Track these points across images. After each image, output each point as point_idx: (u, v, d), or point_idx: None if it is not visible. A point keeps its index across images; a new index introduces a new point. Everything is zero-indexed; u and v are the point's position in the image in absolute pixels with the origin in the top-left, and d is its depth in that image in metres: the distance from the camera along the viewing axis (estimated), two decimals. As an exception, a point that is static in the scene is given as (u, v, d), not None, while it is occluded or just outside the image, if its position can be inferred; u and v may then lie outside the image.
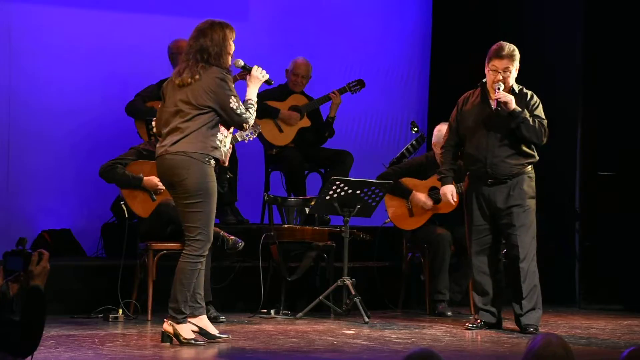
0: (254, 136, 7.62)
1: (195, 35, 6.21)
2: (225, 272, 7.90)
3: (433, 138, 8.11)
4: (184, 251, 6.18)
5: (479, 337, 6.88)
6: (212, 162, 6.16)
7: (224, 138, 6.25)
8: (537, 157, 7.07)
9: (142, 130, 8.19)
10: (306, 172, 9.08)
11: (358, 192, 7.61)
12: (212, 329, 6.33)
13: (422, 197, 8.05)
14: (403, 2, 10.42)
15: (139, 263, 7.40)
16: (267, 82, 6.44)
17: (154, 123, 6.42)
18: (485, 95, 7.08)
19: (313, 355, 5.92)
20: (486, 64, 7.01)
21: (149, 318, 7.21)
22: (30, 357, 3.63)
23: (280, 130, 8.94)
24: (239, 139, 7.47)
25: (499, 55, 6.95)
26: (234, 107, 6.13)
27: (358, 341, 6.54)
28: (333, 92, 8.99)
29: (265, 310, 7.74)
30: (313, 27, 9.96)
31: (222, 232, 7.24)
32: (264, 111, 8.64)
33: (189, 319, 6.20)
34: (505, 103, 6.88)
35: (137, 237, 7.46)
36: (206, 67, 6.13)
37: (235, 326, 7.09)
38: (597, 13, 9.03)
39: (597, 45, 9.05)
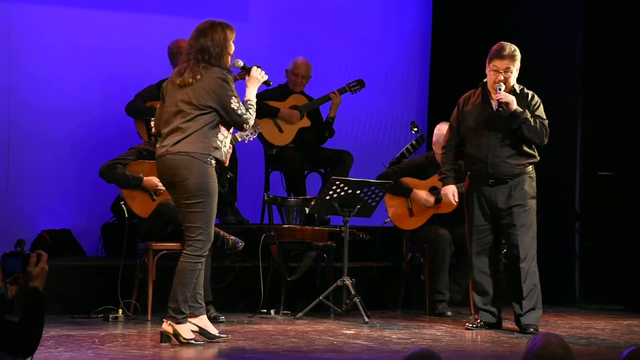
0: (254, 136, 7.63)
1: (196, 35, 6.21)
2: (225, 272, 7.90)
3: (433, 137, 8.11)
4: (184, 251, 6.18)
5: (478, 337, 6.88)
6: (213, 162, 6.16)
7: (224, 138, 6.26)
8: (538, 158, 7.07)
9: (142, 130, 8.20)
10: (306, 172, 9.08)
11: (358, 192, 7.61)
12: (212, 329, 6.33)
13: (423, 194, 8.05)
14: (403, 2, 10.42)
15: (139, 263, 7.40)
16: (265, 83, 6.45)
17: (152, 123, 6.42)
18: (486, 95, 7.08)
19: (313, 355, 5.92)
20: (487, 64, 7.00)
21: (149, 318, 7.21)
22: (30, 358, 3.62)
23: (280, 130, 8.94)
24: (239, 139, 7.47)
25: (500, 55, 6.94)
26: (235, 108, 6.14)
27: (358, 341, 6.54)
28: (333, 92, 8.99)
29: (265, 310, 7.74)
30: (313, 27, 9.96)
31: (222, 232, 7.24)
32: (263, 111, 8.63)
33: (189, 319, 6.20)
34: (507, 104, 6.88)
35: (137, 237, 7.46)
36: (207, 67, 6.13)
37: (235, 326, 7.09)
38: (597, 13, 9.03)
39: (597, 45, 9.05)
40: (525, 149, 7.00)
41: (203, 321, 6.31)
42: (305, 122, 9.00)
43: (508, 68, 6.94)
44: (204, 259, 6.24)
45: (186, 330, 6.16)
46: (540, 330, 7.03)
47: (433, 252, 7.97)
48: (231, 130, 6.37)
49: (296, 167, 8.93)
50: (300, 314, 7.62)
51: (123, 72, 9.06)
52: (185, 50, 6.29)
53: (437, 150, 7.97)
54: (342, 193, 7.59)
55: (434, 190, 8.01)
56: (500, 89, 6.90)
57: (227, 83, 6.14)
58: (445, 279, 7.94)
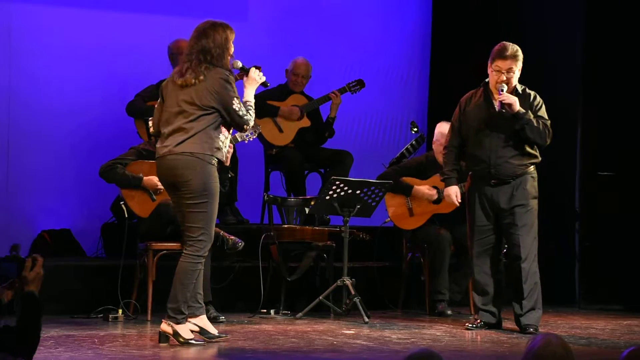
0: (254, 137, 7.64)
1: (197, 35, 6.21)
2: (225, 272, 7.90)
3: (434, 137, 8.10)
4: (185, 251, 6.18)
5: (478, 337, 6.88)
6: (215, 162, 6.17)
7: (225, 139, 6.27)
8: (540, 158, 7.07)
9: (141, 130, 8.20)
10: (306, 172, 9.08)
11: (358, 192, 7.61)
12: (211, 329, 6.33)
13: (424, 188, 8.05)
14: (403, 2, 10.42)
15: (139, 263, 7.40)
16: (263, 84, 6.47)
17: (150, 123, 6.42)
18: (488, 95, 7.07)
19: (313, 356, 5.92)
20: (489, 64, 6.99)
21: (149, 318, 7.21)
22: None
23: (280, 130, 8.94)
24: (239, 140, 7.47)
25: (502, 55, 6.93)
26: (237, 109, 6.15)
27: (358, 341, 6.54)
28: (333, 92, 8.99)
29: (265, 310, 7.74)
30: (313, 27, 9.96)
31: (222, 232, 7.24)
32: (263, 110, 8.64)
33: (190, 319, 6.21)
34: (510, 105, 6.88)
35: (137, 237, 7.46)
36: (210, 68, 6.14)
37: (235, 326, 7.09)
38: (597, 13, 9.03)
39: (597, 45, 9.05)
40: (528, 149, 7.00)
41: (203, 321, 6.31)
42: (305, 122, 9.00)
43: (510, 68, 6.94)
44: (204, 259, 6.25)
45: (185, 330, 6.16)
46: (540, 330, 7.03)
47: (433, 252, 7.97)
48: (231, 130, 6.37)
49: (296, 167, 8.93)
50: (300, 314, 7.62)
51: (123, 72, 9.06)
52: (186, 50, 6.29)
53: (437, 149, 7.97)
54: (342, 193, 7.59)
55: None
56: (502, 90, 6.89)
57: (229, 84, 6.15)
58: (445, 279, 7.94)
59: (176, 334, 6.13)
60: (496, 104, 6.94)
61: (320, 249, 7.83)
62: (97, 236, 8.66)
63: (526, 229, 6.98)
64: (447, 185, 7.26)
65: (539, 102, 7.06)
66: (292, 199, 8.17)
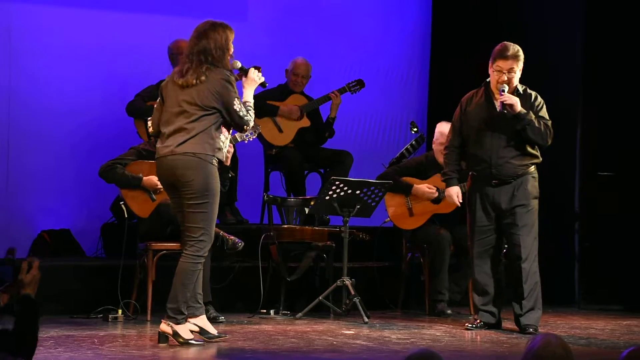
0: (254, 137, 7.64)
1: (197, 36, 6.21)
2: (224, 273, 7.90)
3: (434, 136, 8.09)
4: (185, 251, 6.18)
5: (478, 337, 6.88)
6: (216, 162, 6.18)
7: (225, 139, 6.28)
8: (541, 158, 7.07)
9: (141, 130, 8.20)
10: (306, 172, 9.08)
11: (358, 192, 7.61)
12: (211, 329, 6.33)
13: (424, 187, 8.04)
14: (403, 2, 10.42)
15: (139, 263, 7.40)
16: (262, 84, 6.49)
17: (150, 123, 6.42)
18: (489, 95, 7.06)
19: (312, 356, 5.92)
20: (490, 64, 6.99)
21: (149, 318, 7.21)
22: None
23: (280, 130, 8.94)
24: (239, 140, 7.48)
25: (503, 55, 6.93)
26: (237, 109, 6.17)
27: (357, 341, 6.54)
28: (333, 92, 8.99)
29: (264, 311, 7.74)
30: (312, 27, 9.95)
31: (221, 233, 7.24)
32: (263, 110, 8.64)
33: (190, 319, 6.21)
34: (511, 106, 6.87)
35: (136, 237, 7.46)
36: (211, 69, 6.14)
37: (234, 326, 7.09)
38: (597, 13, 9.03)
39: (597, 45, 9.05)
40: (529, 149, 7.00)
41: (202, 321, 6.32)
42: (305, 122, 9.01)
43: (512, 68, 6.93)
44: (204, 259, 6.26)
45: (185, 330, 6.16)
46: (539, 330, 7.03)
47: (433, 252, 7.97)
48: (230, 130, 6.38)
49: (296, 167, 8.93)
50: (299, 314, 7.62)
51: (123, 72, 9.06)
52: (186, 50, 6.29)
53: (437, 149, 7.97)
54: (342, 193, 7.59)
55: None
56: (504, 91, 6.89)
57: (230, 84, 6.17)
58: (445, 279, 7.94)
59: (176, 334, 6.13)
60: (497, 105, 6.94)
61: (320, 249, 7.83)
62: (97, 236, 8.66)
63: (527, 229, 6.98)
64: (448, 185, 7.26)
65: (540, 103, 7.06)
66: (291, 199, 8.17)
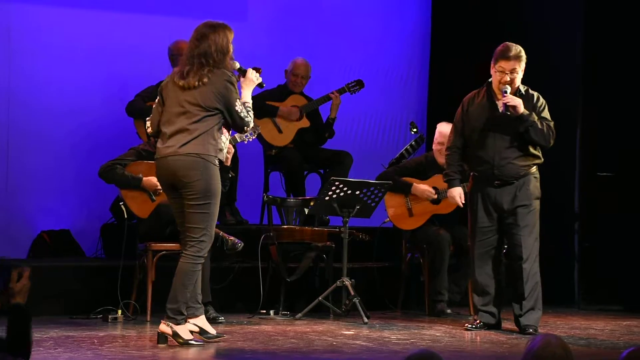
0: (254, 137, 7.63)
1: (198, 38, 6.20)
2: (224, 273, 7.90)
3: (435, 136, 8.08)
4: (185, 252, 6.18)
5: (478, 337, 6.88)
6: (217, 163, 6.19)
7: (226, 140, 6.30)
8: (542, 159, 7.07)
9: (141, 131, 8.19)
10: (305, 172, 9.08)
11: (357, 192, 7.61)
12: (210, 329, 6.33)
13: (423, 186, 8.03)
14: (403, 2, 10.42)
15: (138, 264, 7.40)
16: (259, 85, 6.49)
17: (148, 123, 6.41)
18: (491, 95, 7.06)
19: (312, 356, 5.92)
20: (492, 65, 6.98)
21: (148, 319, 7.21)
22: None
23: (280, 131, 8.94)
24: (239, 140, 7.48)
25: (505, 56, 6.92)
26: (239, 110, 6.18)
27: (357, 342, 6.54)
28: (332, 93, 8.99)
29: (264, 311, 7.74)
30: (312, 27, 9.95)
31: (221, 233, 7.24)
32: (263, 111, 8.64)
33: (190, 320, 6.21)
34: (514, 107, 6.86)
35: (136, 238, 7.46)
36: (213, 71, 6.14)
37: (234, 327, 7.09)
38: (597, 13, 9.03)
39: (597, 45, 9.05)
40: (531, 150, 7.00)
41: (202, 321, 6.32)
42: (305, 123, 9.00)
43: (514, 69, 6.93)
44: (204, 260, 6.26)
45: (185, 330, 6.16)
46: (539, 330, 7.02)
47: (432, 253, 7.97)
48: (230, 131, 6.39)
49: (295, 168, 8.93)
50: (299, 315, 7.62)
51: (123, 72, 9.06)
52: (186, 52, 6.28)
53: (437, 149, 7.96)
54: (342, 194, 7.59)
55: (434, 191, 8.02)
56: (506, 92, 6.88)
57: (233, 85, 6.18)
58: (445, 280, 7.94)
59: (175, 335, 6.12)
60: (500, 105, 6.93)
61: (319, 249, 7.83)
62: (97, 237, 8.66)
63: (528, 230, 6.98)
64: (451, 186, 7.25)
65: (542, 103, 7.05)
66: (291, 200, 8.17)
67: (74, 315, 7.39)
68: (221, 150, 6.21)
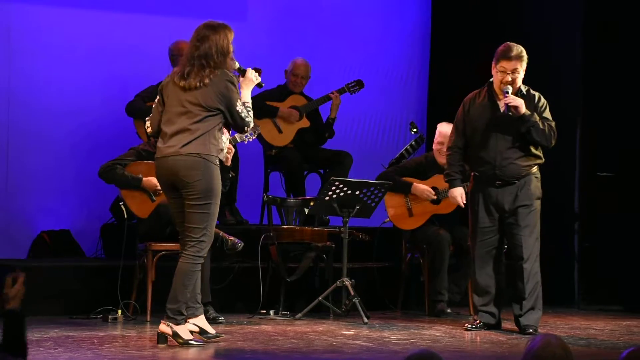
0: (254, 137, 7.64)
1: (199, 38, 6.20)
2: (224, 273, 7.90)
3: (435, 137, 8.07)
4: (185, 252, 6.18)
5: (478, 337, 6.88)
6: (218, 163, 6.19)
7: (226, 140, 6.30)
8: (543, 159, 7.07)
9: (141, 131, 8.19)
10: (305, 172, 9.08)
11: (357, 192, 7.61)
12: (210, 329, 6.33)
13: (423, 186, 8.03)
14: (403, 2, 10.41)
15: (138, 264, 7.40)
16: (258, 84, 6.49)
17: (148, 123, 6.42)
18: (492, 95, 7.05)
19: (312, 356, 5.92)
20: (493, 65, 6.97)
21: (148, 319, 7.21)
22: None
23: (280, 131, 8.94)
24: (239, 140, 7.48)
25: (507, 56, 6.92)
26: (239, 110, 6.18)
27: (357, 342, 6.54)
28: (332, 93, 8.99)
29: (264, 311, 7.74)
30: (312, 28, 9.95)
31: (221, 233, 7.24)
32: (263, 111, 8.64)
33: (190, 320, 6.21)
34: (516, 107, 6.86)
35: (136, 238, 7.46)
36: (214, 71, 6.14)
37: (234, 327, 7.09)
38: (597, 13, 9.02)
39: (597, 45, 9.04)
40: (533, 150, 7.00)
41: (202, 321, 6.32)
42: (305, 123, 9.00)
43: (515, 69, 6.92)
44: (204, 260, 6.26)
45: (185, 330, 6.16)
46: (539, 330, 7.02)
47: (432, 253, 7.96)
48: (230, 131, 6.39)
49: (295, 168, 8.93)
50: (299, 315, 7.62)
51: (123, 72, 9.06)
52: (187, 52, 6.28)
53: (437, 149, 7.96)
54: (342, 194, 7.59)
55: (434, 191, 8.01)
56: (507, 92, 6.88)
57: (233, 85, 6.19)
58: (445, 280, 7.93)
59: (175, 335, 6.12)
60: (501, 106, 6.92)
61: (319, 249, 7.83)
62: (97, 237, 8.66)
63: (529, 230, 6.98)
64: (452, 186, 7.24)
65: (544, 103, 7.05)
66: (291, 200, 8.17)
67: (74, 315, 7.39)
68: (222, 150, 6.22)
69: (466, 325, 7.17)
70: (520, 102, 6.88)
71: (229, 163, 6.81)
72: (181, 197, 6.19)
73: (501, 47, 6.97)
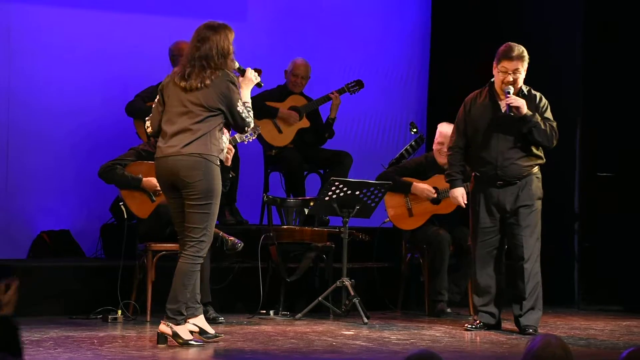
0: (254, 137, 7.64)
1: (200, 39, 6.20)
2: (224, 273, 7.90)
3: (435, 137, 8.07)
4: (185, 252, 6.18)
5: (478, 338, 6.88)
6: (219, 163, 6.19)
7: (226, 140, 6.30)
8: (544, 159, 7.07)
9: (141, 131, 8.19)
10: (305, 172, 9.08)
11: (357, 193, 7.61)
12: (210, 329, 6.33)
13: (423, 185, 8.03)
14: (402, 2, 10.41)
15: (138, 264, 7.40)
16: (257, 84, 6.50)
17: (148, 123, 6.41)
18: (493, 95, 7.05)
19: (312, 356, 5.92)
20: (494, 65, 6.97)
21: (148, 319, 7.21)
22: None
23: (280, 131, 8.94)
24: (239, 140, 7.48)
25: (508, 56, 6.91)
26: (240, 110, 6.19)
27: (357, 342, 6.54)
28: (332, 93, 8.99)
29: (264, 311, 7.74)
30: (312, 28, 9.95)
31: (221, 233, 7.24)
32: (263, 111, 8.64)
33: (190, 320, 6.21)
34: (517, 108, 6.86)
35: (136, 238, 7.46)
36: (215, 72, 6.14)
37: (234, 327, 7.08)
38: (597, 13, 9.02)
39: (597, 45, 9.04)
40: (534, 150, 7.00)
41: (201, 321, 6.32)
42: (305, 123, 9.00)
43: (517, 69, 6.92)
44: (203, 260, 6.26)
45: (185, 331, 6.16)
46: (539, 331, 7.02)
47: (432, 253, 7.96)
48: (230, 131, 6.40)
49: (295, 168, 8.93)
50: (299, 315, 7.61)
51: (123, 72, 9.06)
52: (187, 53, 6.27)
53: (437, 149, 7.96)
54: (341, 194, 7.59)
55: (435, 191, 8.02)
56: (509, 93, 6.87)
57: (235, 86, 6.19)
58: (445, 280, 7.93)
59: (175, 335, 6.12)
60: (502, 106, 6.92)
61: (319, 249, 7.83)
62: (97, 237, 8.66)
63: (529, 230, 6.98)
64: (453, 186, 7.23)
65: (545, 104, 7.05)
66: (291, 200, 8.17)
67: (73, 315, 7.39)
68: (222, 150, 6.22)
69: (466, 325, 7.17)
70: (521, 103, 6.87)
71: (229, 163, 6.81)
72: (181, 197, 6.19)
73: (502, 47, 6.97)
